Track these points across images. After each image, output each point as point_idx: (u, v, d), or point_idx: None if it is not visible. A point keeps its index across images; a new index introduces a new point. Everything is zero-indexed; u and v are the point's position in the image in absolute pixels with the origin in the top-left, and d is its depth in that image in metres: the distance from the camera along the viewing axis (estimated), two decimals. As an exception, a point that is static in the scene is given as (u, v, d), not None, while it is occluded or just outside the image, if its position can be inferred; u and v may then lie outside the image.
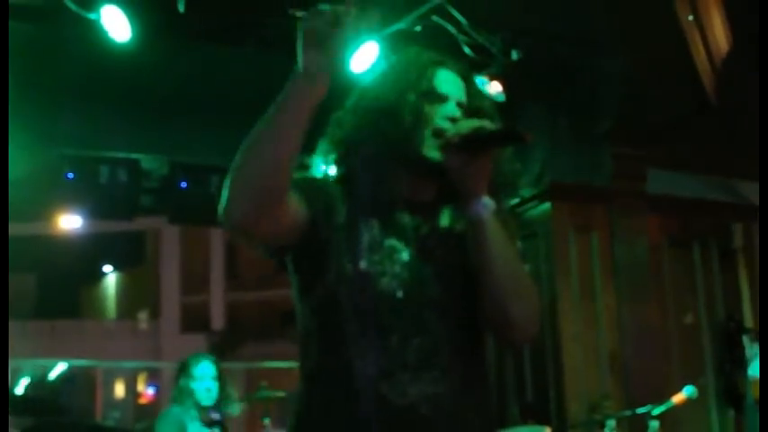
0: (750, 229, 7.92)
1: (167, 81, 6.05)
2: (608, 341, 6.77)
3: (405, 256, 2.07)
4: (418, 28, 5.59)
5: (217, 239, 29.29)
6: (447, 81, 2.18)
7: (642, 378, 6.64)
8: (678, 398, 5.13)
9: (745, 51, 6.19)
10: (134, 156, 6.53)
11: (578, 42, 6.28)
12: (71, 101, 6.02)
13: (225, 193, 1.95)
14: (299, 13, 2.21)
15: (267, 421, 5.64)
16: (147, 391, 28.42)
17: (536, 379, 6.97)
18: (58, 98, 5.95)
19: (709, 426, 7.31)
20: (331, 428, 2.02)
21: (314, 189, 2.10)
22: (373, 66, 5.47)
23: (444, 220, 2.18)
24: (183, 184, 6.64)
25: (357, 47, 5.30)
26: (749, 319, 7.66)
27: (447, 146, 2.03)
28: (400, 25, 5.59)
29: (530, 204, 7.01)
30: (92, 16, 5.07)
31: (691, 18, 6.16)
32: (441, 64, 2.21)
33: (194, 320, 28.93)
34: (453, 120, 2.10)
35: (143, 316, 30.87)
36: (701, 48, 6.31)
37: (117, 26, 5.10)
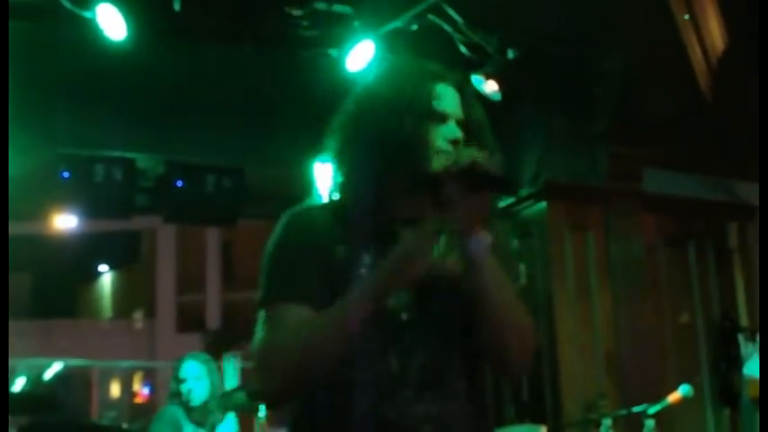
0: (745, 229, 7.93)
1: (163, 80, 6.04)
2: (604, 340, 6.78)
3: None
4: (414, 27, 5.59)
5: (212, 239, 29.26)
6: (445, 97, 2.14)
7: (638, 377, 6.64)
8: (674, 397, 5.13)
9: (740, 50, 6.19)
10: (129, 155, 6.51)
11: (574, 42, 6.29)
12: (66, 99, 6.01)
13: (269, 360, 2.01)
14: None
15: (262, 418, 5.63)
16: (142, 391, 28.38)
17: (532, 378, 6.96)
18: (52, 97, 5.94)
19: (705, 424, 7.31)
20: None
21: (307, 279, 2.05)
22: (369, 67, 5.48)
23: (442, 241, 2.12)
24: (179, 184, 6.62)
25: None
26: (744, 319, 7.67)
27: (446, 175, 1.99)
28: (396, 24, 5.59)
29: (525, 204, 7.02)
30: (87, 15, 5.07)
31: (686, 17, 6.16)
32: (437, 78, 2.17)
33: (190, 320, 28.88)
34: (455, 142, 2.08)
35: (138, 315, 30.84)
36: (697, 47, 6.32)
37: (112, 25, 5.10)
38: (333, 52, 5.67)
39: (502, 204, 7.08)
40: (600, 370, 6.72)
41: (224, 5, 5.60)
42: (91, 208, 6.75)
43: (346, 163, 2.14)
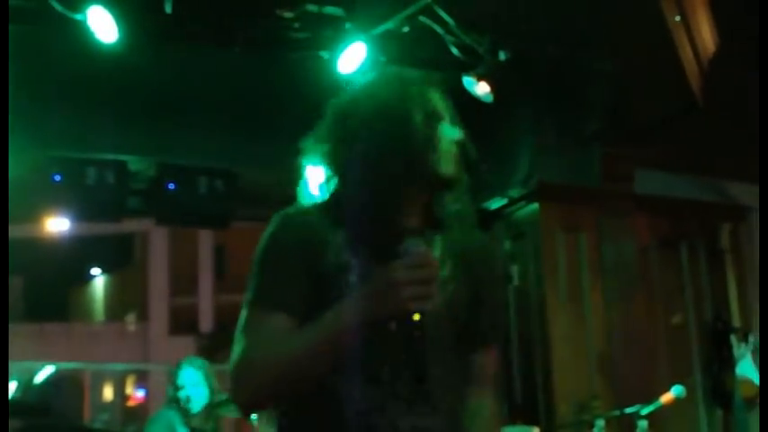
0: (738, 230, 7.94)
1: (154, 82, 6.03)
2: (596, 341, 6.78)
3: None
4: (406, 28, 5.59)
5: (205, 241, 29.21)
6: (439, 98, 2.16)
7: (630, 378, 6.65)
8: (666, 398, 5.14)
9: (731, 52, 6.20)
10: (121, 157, 6.50)
11: (566, 43, 6.29)
12: (57, 102, 6.00)
13: (242, 375, 2.04)
14: None
15: (255, 420, 5.63)
16: (135, 394, 28.33)
17: (524, 379, 6.97)
18: (44, 99, 5.93)
19: (698, 425, 7.32)
20: None
21: (291, 286, 2.06)
22: (361, 73, 5.47)
23: (437, 250, 2.13)
24: (171, 186, 6.61)
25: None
26: (737, 319, 7.68)
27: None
28: (388, 26, 5.59)
29: (518, 205, 7.02)
30: (78, 17, 5.05)
31: (678, 19, 6.17)
32: (428, 82, 2.19)
33: (183, 323, 28.83)
34: (457, 143, 2.11)
35: (131, 318, 30.76)
36: (688, 48, 6.32)
37: (103, 27, 5.08)
38: (324, 54, 5.66)
39: (495, 205, 7.10)
40: (592, 371, 6.72)
41: (215, 8, 5.58)
42: (83, 211, 6.73)
43: (345, 167, 2.12)
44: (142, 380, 27.62)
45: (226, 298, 29.61)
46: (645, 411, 5.09)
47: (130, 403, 28.08)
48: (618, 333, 6.82)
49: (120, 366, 26.84)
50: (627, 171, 7.11)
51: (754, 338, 7.28)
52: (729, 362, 7.24)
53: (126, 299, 31.69)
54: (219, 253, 29.70)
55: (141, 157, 6.62)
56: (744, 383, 7.08)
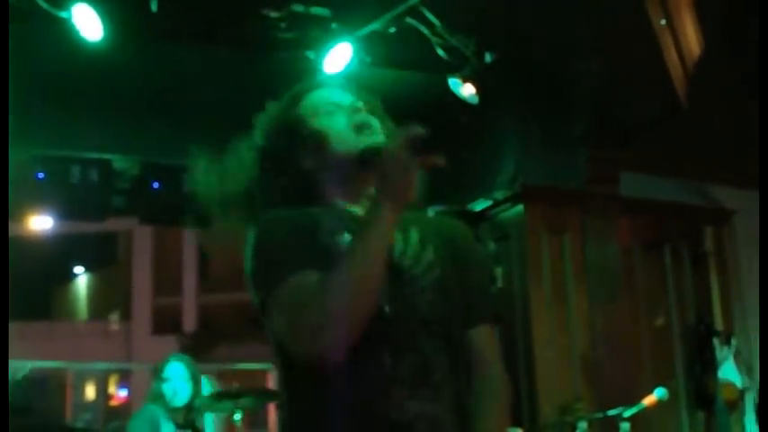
0: (721, 233, 7.96)
1: (139, 81, 6.02)
2: (579, 343, 6.79)
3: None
4: (392, 29, 5.59)
5: (189, 241, 29.18)
6: (333, 93, 2.27)
7: (613, 380, 6.66)
8: (649, 400, 5.15)
9: (716, 55, 6.22)
10: (105, 156, 6.48)
11: (552, 45, 6.30)
12: (42, 100, 5.97)
13: (312, 321, 1.89)
14: None
15: (239, 418, 5.63)
16: (118, 393, 28.27)
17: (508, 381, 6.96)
18: (28, 97, 5.90)
19: (680, 427, 7.34)
20: None
21: (308, 254, 2.03)
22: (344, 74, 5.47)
23: (414, 236, 2.15)
24: (155, 185, 6.60)
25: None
26: (719, 322, 7.70)
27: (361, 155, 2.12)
28: (374, 26, 5.59)
29: (502, 206, 7.02)
30: (63, 15, 5.03)
31: (663, 22, 6.19)
32: (314, 86, 2.33)
33: (166, 322, 28.80)
34: (359, 126, 2.17)
35: (114, 317, 30.72)
36: (674, 51, 6.34)
37: (88, 25, 5.06)
38: (310, 54, 5.66)
39: (479, 207, 7.10)
40: (576, 373, 6.73)
41: (201, 7, 5.57)
42: (66, 209, 6.71)
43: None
44: (125, 379, 27.58)
45: (209, 298, 29.64)
46: (628, 413, 5.09)
47: (113, 402, 28.03)
48: (601, 335, 6.83)
49: (102, 365, 26.78)
50: (611, 173, 7.12)
51: (736, 341, 7.31)
52: (712, 365, 7.27)
53: (109, 298, 31.64)
54: (203, 253, 29.67)
55: (125, 155, 6.61)
56: (726, 386, 7.11)
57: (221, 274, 29.10)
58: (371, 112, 2.22)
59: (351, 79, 2.37)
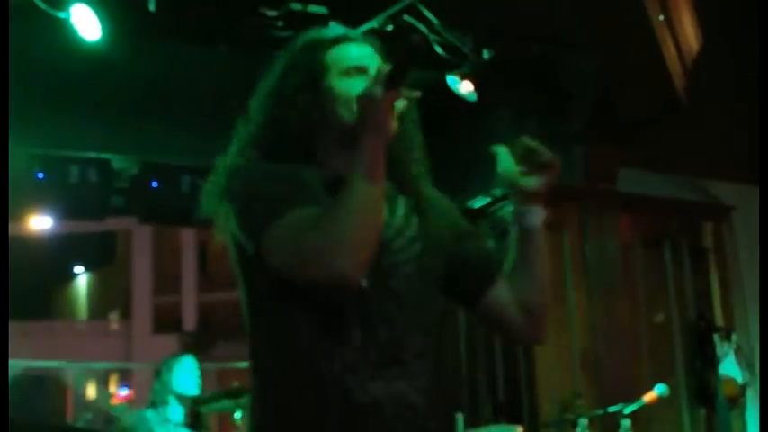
0: (720, 229, 7.95)
1: (138, 81, 6.02)
2: (579, 340, 6.79)
3: None
4: (390, 27, 5.59)
5: (188, 240, 29.19)
6: (358, 54, 2.21)
7: (614, 377, 6.65)
8: (649, 396, 5.14)
9: (715, 51, 6.22)
10: (104, 156, 6.49)
11: (550, 42, 6.30)
12: (40, 100, 5.98)
13: (333, 246, 1.85)
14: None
15: (239, 416, 5.63)
16: (118, 393, 28.25)
17: (508, 378, 6.97)
18: (27, 97, 5.90)
19: (681, 424, 7.33)
20: (296, 425, 1.99)
21: (303, 189, 2.04)
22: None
23: (400, 209, 2.14)
24: (154, 184, 6.61)
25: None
26: (719, 318, 7.69)
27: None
28: (372, 24, 5.58)
29: (501, 203, 7.02)
30: (61, 15, 5.03)
31: (661, 18, 6.18)
32: (341, 40, 2.25)
33: (166, 321, 28.81)
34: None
35: (114, 317, 30.72)
36: (672, 48, 6.34)
37: (87, 25, 5.06)
38: (308, 53, 5.65)
39: (478, 204, 7.10)
40: (576, 370, 6.73)
41: (199, 6, 5.57)
42: (66, 209, 6.72)
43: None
44: (125, 378, 27.55)
45: (209, 296, 29.61)
46: (628, 410, 5.09)
47: (113, 402, 28.01)
48: (601, 332, 6.83)
49: (103, 365, 26.75)
50: (610, 170, 7.12)
51: (736, 337, 7.31)
52: (712, 361, 7.26)
53: (109, 297, 31.64)
54: (203, 251, 29.66)
55: (124, 155, 6.62)
56: (726, 382, 7.11)
57: (221, 273, 29.11)
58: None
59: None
